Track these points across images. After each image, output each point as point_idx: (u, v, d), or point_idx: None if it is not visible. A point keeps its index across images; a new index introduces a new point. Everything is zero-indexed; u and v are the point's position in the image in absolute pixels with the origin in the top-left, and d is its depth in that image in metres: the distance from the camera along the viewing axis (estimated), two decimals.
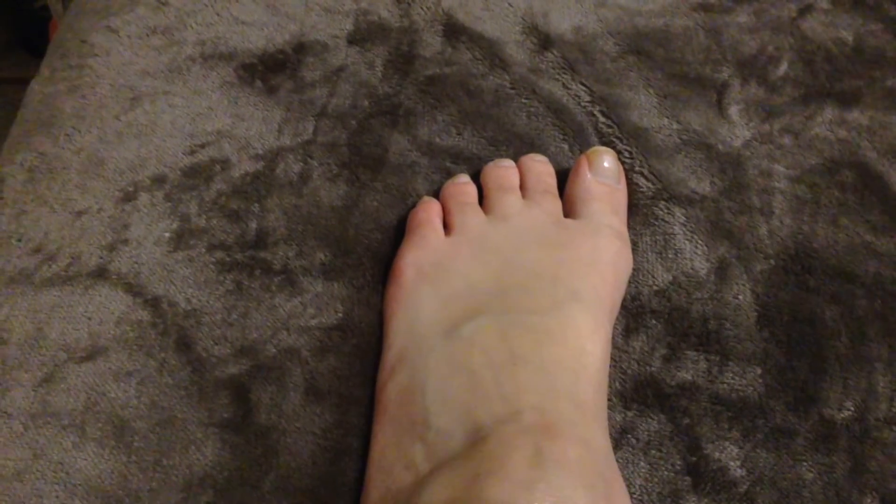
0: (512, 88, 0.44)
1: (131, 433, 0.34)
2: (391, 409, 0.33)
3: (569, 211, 0.39)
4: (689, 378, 0.36)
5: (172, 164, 0.42)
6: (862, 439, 0.34)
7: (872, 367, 0.36)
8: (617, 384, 0.36)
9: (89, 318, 0.37)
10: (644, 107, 0.43)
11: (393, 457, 0.32)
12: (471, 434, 0.30)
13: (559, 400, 0.31)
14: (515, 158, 0.41)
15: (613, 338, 0.36)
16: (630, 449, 0.34)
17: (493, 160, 0.41)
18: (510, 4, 0.47)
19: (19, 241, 0.39)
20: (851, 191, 0.40)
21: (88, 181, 0.41)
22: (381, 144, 0.42)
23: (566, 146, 0.43)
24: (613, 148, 0.42)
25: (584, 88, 0.44)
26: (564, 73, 0.45)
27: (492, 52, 0.46)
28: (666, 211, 0.40)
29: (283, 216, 0.40)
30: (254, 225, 0.40)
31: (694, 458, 0.34)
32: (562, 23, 0.47)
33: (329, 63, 0.45)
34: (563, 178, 0.40)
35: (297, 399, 0.35)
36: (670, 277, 0.38)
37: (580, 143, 0.42)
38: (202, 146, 0.42)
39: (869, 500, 0.33)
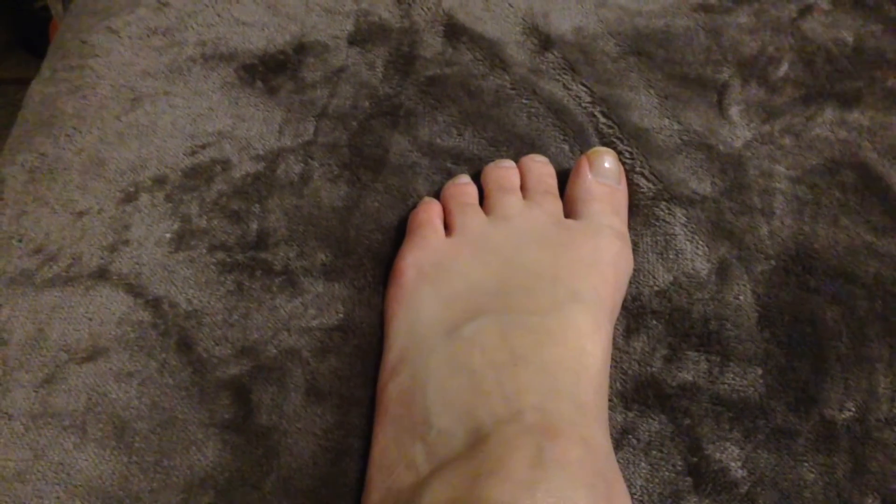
0: (512, 89, 0.44)
1: (132, 434, 0.34)
2: (392, 409, 0.33)
3: (569, 211, 0.39)
4: (690, 378, 0.36)
5: (173, 164, 0.42)
6: (863, 440, 0.34)
7: (873, 367, 0.36)
8: (618, 385, 0.36)
9: (90, 319, 0.37)
10: (645, 107, 0.43)
11: (394, 457, 0.32)
12: (472, 434, 0.30)
13: (560, 400, 0.31)
14: (516, 159, 0.41)
15: (614, 338, 0.36)
16: (631, 449, 0.34)
17: (493, 161, 0.41)
18: (511, 5, 0.47)
19: (20, 241, 0.39)
20: (852, 191, 0.40)
21: (89, 182, 0.41)
22: (381, 145, 0.42)
23: (567, 147, 0.43)
24: (614, 148, 0.42)
25: (584, 89, 0.44)
26: (565, 74, 0.45)
27: (492, 53, 0.46)
28: (667, 211, 0.40)
29: (283, 217, 0.40)
30: (255, 226, 0.40)
31: (695, 459, 0.34)
32: (562, 23, 0.47)
33: (330, 64, 0.45)
34: (564, 179, 0.40)
35: (298, 400, 0.35)
36: (671, 278, 0.38)
37: (581, 144, 0.42)
38: (203, 147, 0.42)
39: (870, 501, 0.33)
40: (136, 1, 0.48)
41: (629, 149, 0.42)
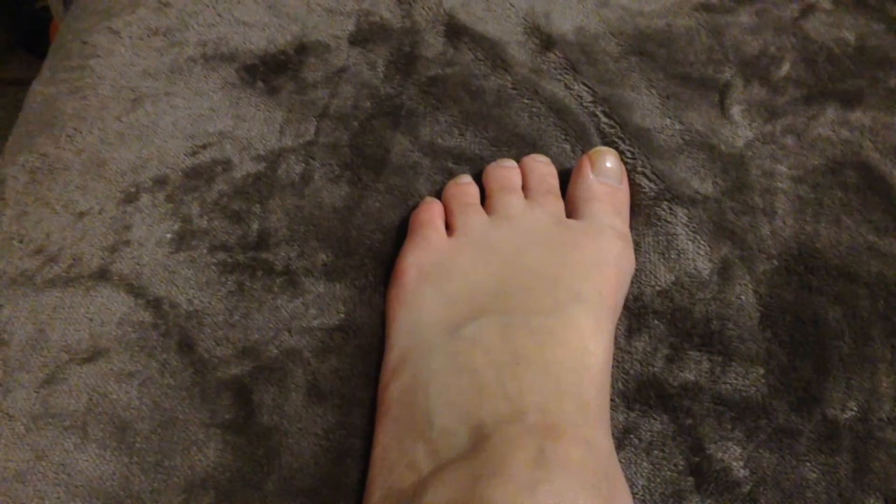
0: (514, 89, 0.44)
1: (133, 434, 0.34)
2: (393, 409, 0.33)
3: (571, 211, 0.39)
4: (692, 378, 0.36)
5: (174, 165, 0.42)
6: (865, 440, 0.34)
7: (876, 367, 0.36)
8: (619, 384, 0.36)
9: (91, 320, 0.37)
10: (646, 107, 0.43)
11: (395, 457, 0.32)
12: (473, 434, 0.30)
13: (562, 400, 0.31)
14: (517, 159, 0.41)
15: (616, 338, 0.36)
16: (633, 449, 0.34)
17: (495, 161, 0.41)
18: (512, 5, 0.47)
19: (21, 242, 0.39)
20: (854, 191, 0.40)
21: (90, 182, 0.41)
22: (382, 145, 0.42)
23: (568, 147, 0.42)
24: (616, 148, 0.42)
25: (586, 89, 0.44)
26: (566, 74, 0.45)
27: (494, 53, 0.45)
28: (668, 211, 0.40)
29: (284, 217, 0.40)
30: (255, 226, 0.40)
31: (697, 459, 0.34)
32: (564, 23, 0.47)
33: (331, 64, 0.45)
34: (566, 179, 0.40)
35: (300, 400, 0.35)
36: (673, 278, 0.38)
37: (582, 144, 0.42)
38: (204, 147, 0.42)
39: (872, 501, 0.33)
40: (137, 1, 0.48)
41: (631, 148, 0.42)
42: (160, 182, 0.41)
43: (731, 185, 0.41)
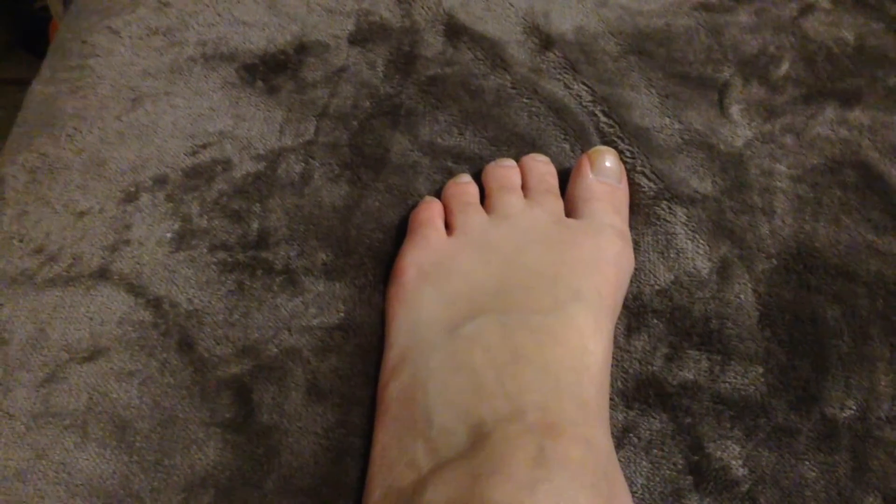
0: (513, 88, 0.44)
1: (133, 433, 0.34)
2: (393, 408, 0.33)
3: (570, 210, 0.39)
4: (691, 377, 0.36)
5: (174, 164, 0.42)
6: (864, 438, 0.34)
7: (874, 366, 0.36)
8: (619, 383, 0.36)
9: (91, 319, 0.37)
10: (645, 106, 0.43)
11: (395, 455, 0.32)
12: (473, 433, 0.30)
13: (562, 399, 0.31)
14: (517, 158, 0.41)
15: (615, 337, 0.36)
16: (632, 448, 0.34)
17: (494, 160, 0.41)
18: (511, 4, 0.47)
19: (21, 241, 0.39)
20: (853, 190, 0.40)
21: (90, 182, 0.41)
22: (382, 144, 0.42)
23: (567, 146, 0.43)
24: (615, 148, 0.42)
25: (585, 88, 0.44)
26: (566, 73, 0.45)
27: (493, 52, 0.46)
28: (668, 210, 0.40)
29: (284, 216, 0.40)
30: (255, 225, 0.40)
31: (696, 458, 0.34)
32: (563, 23, 0.47)
33: (330, 63, 0.45)
34: (565, 178, 0.40)
35: (299, 399, 0.35)
36: (672, 277, 0.38)
37: (581, 143, 0.42)
38: (204, 146, 0.42)
39: (871, 500, 0.33)
40: (137, 1, 0.48)
41: (630, 148, 0.42)
42: (160, 181, 0.41)
43: (731, 185, 0.41)
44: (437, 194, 0.41)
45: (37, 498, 0.33)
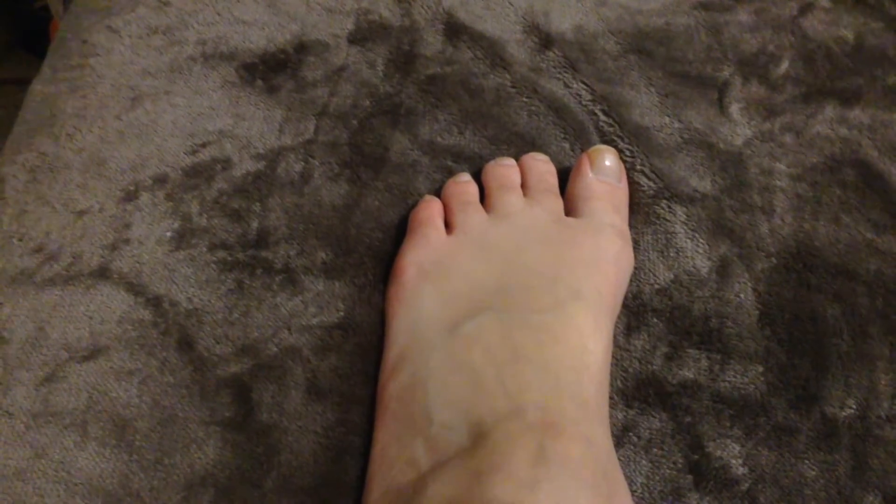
0: (513, 87, 0.44)
1: (133, 432, 0.34)
2: (393, 406, 0.33)
3: (570, 209, 0.39)
4: (691, 376, 0.36)
5: (174, 163, 0.42)
6: (864, 437, 0.34)
7: (874, 365, 0.36)
8: (618, 382, 0.36)
9: (90, 318, 0.37)
10: (645, 105, 0.43)
11: (394, 454, 0.32)
12: (473, 431, 0.30)
13: (562, 398, 0.31)
14: (516, 157, 0.41)
15: (615, 336, 0.36)
16: (632, 447, 0.34)
17: (494, 159, 0.41)
18: (511, 3, 0.47)
19: (21, 240, 0.39)
20: (853, 189, 0.40)
21: (90, 181, 0.41)
22: (382, 144, 0.42)
23: (567, 145, 0.43)
24: (615, 147, 0.42)
25: (585, 87, 0.44)
26: (565, 72, 0.45)
27: (493, 52, 0.46)
28: (667, 209, 0.40)
29: (284, 215, 0.40)
30: (255, 224, 0.40)
31: (696, 456, 0.34)
32: (563, 22, 0.47)
33: (330, 62, 0.45)
34: (565, 177, 0.40)
35: (299, 398, 0.35)
36: (672, 276, 0.38)
37: (581, 142, 0.42)
38: (203, 146, 0.42)
39: (871, 498, 0.33)
40: (137, 0, 0.48)
41: (630, 147, 0.42)
42: (160, 180, 0.41)
43: (730, 184, 0.41)
44: (437, 193, 0.41)
45: (36, 497, 0.33)
